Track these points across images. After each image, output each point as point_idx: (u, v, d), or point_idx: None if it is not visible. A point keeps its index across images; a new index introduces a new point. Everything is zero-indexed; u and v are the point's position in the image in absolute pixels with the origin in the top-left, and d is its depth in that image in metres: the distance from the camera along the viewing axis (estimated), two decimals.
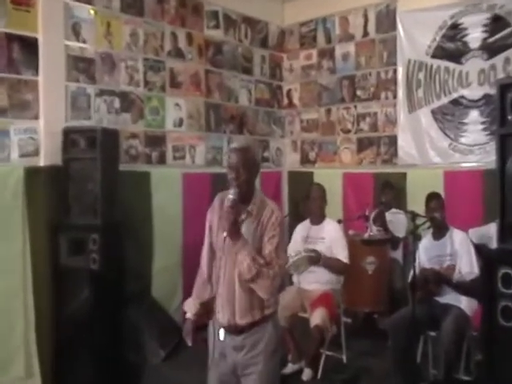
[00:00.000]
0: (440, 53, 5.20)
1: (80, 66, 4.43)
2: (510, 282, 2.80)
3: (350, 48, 5.91)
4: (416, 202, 4.66)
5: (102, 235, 3.81)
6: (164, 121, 5.13)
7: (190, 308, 2.55)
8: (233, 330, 2.40)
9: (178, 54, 5.27)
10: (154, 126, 5.04)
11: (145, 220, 4.79)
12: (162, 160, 5.10)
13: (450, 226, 3.92)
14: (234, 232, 2.28)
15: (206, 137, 5.55)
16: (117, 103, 4.71)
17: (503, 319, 2.81)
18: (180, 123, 5.29)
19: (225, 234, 2.28)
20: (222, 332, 2.43)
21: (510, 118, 2.92)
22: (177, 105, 5.26)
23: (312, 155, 6.32)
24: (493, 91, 4.66)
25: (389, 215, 4.89)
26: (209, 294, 2.51)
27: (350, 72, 5.93)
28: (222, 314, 2.42)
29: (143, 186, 4.79)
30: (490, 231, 4.03)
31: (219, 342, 2.43)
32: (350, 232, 4.84)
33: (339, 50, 6.02)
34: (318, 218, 4.38)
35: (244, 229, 2.34)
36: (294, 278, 4.35)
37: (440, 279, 3.64)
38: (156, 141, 5.06)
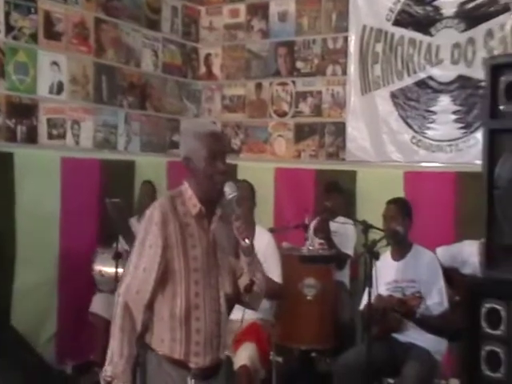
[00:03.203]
0: (405, 19, 5.23)
1: None
2: (498, 320, 2.79)
3: (290, 5, 5.88)
4: (368, 210, 4.83)
5: None
6: (35, 83, 4.98)
7: (124, 374, 2.28)
8: (213, 370, 2.43)
9: None
10: (20, 89, 4.88)
11: (4, 220, 4.64)
12: (31, 138, 4.94)
13: (414, 244, 3.95)
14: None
15: (95, 110, 5.43)
16: None
17: (488, 368, 2.79)
18: (59, 89, 5.15)
19: (245, 242, 2.37)
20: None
21: (502, 108, 2.91)
22: (54, 63, 5.12)
23: (236, 143, 6.29)
24: (470, 72, 4.81)
25: (334, 225, 4.89)
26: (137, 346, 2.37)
27: (288, 37, 5.93)
28: (202, 357, 2.38)
29: (3, 172, 4.65)
30: (462, 252, 4.18)
31: None
32: (284, 244, 4.80)
33: (275, 7, 5.99)
34: None
35: (217, 235, 2.45)
36: None
37: (406, 311, 3.61)
38: (23, 111, 4.90)
